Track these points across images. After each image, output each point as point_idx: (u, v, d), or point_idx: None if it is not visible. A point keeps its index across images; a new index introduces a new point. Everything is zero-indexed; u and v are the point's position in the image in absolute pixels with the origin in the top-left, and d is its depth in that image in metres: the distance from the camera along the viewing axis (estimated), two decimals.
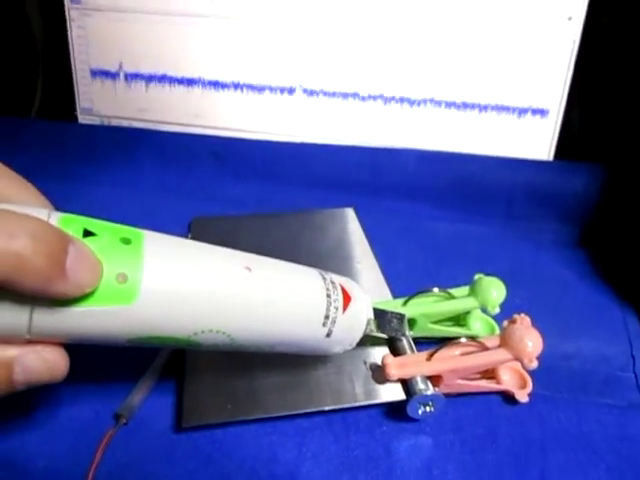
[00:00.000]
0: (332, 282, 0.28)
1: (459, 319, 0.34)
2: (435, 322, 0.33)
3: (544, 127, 0.47)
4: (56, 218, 0.21)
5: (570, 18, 0.44)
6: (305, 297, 0.26)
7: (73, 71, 0.52)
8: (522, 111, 0.47)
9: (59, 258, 0.19)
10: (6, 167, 0.24)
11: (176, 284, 0.22)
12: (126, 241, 0.22)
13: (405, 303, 0.33)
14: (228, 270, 0.24)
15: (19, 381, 0.21)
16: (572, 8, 0.44)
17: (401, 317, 0.31)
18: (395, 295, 0.36)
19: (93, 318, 0.21)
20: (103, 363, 0.30)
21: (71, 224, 0.21)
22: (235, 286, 0.24)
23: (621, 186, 0.44)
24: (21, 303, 0.19)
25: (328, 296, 0.27)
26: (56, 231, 0.19)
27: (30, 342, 0.21)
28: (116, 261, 0.21)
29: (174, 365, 0.31)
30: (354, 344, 0.29)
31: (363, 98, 0.49)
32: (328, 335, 0.27)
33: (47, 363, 0.21)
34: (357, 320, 0.28)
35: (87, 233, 0.21)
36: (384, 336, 0.30)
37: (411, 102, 0.48)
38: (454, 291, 0.33)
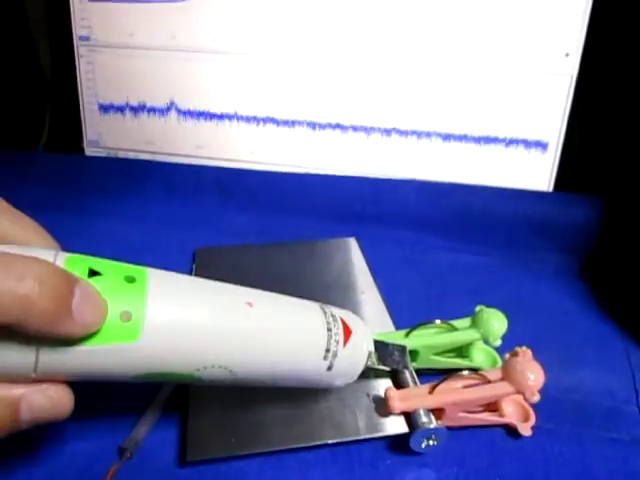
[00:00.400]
0: (333, 315, 0.28)
1: (461, 350, 0.34)
2: (437, 354, 0.33)
3: (544, 159, 0.48)
4: (62, 259, 0.21)
5: (567, 54, 0.45)
6: (306, 331, 0.27)
7: (81, 105, 0.53)
8: (522, 143, 0.48)
9: (65, 300, 0.19)
10: (12, 207, 0.25)
11: (179, 321, 0.23)
12: (130, 279, 0.23)
13: (407, 335, 0.33)
14: (230, 306, 0.25)
15: (25, 419, 0.21)
16: (569, 45, 0.45)
17: (402, 349, 0.31)
18: (397, 325, 0.36)
19: (97, 356, 0.21)
20: (107, 397, 0.30)
21: (77, 264, 0.22)
22: (237, 322, 0.25)
23: (621, 218, 0.44)
24: (27, 343, 0.20)
25: (329, 330, 0.27)
26: (62, 273, 0.20)
27: (36, 381, 0.21)
28: (120, 300, 0.22)
29: (178, 398, 0.31)
30: (356, 377, 0.29)
31: (366, 129, 0.50)
32: (329, 369, 0.27)
33: (52, 401, 0.22)
34: (358, 353, 0.28)
35: (92, 272, 0.22)
36: (386, 369, 0.30)
37: (413, 134, 0.49)
38: (456, 323, 0.33)
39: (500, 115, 0.48)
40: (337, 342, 0.27)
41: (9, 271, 0.18)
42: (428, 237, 0.47)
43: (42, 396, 0.21)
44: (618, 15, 0.44)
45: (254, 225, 0.49)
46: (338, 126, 0.50)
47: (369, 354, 0.29)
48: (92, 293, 0.20)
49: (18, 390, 0.21)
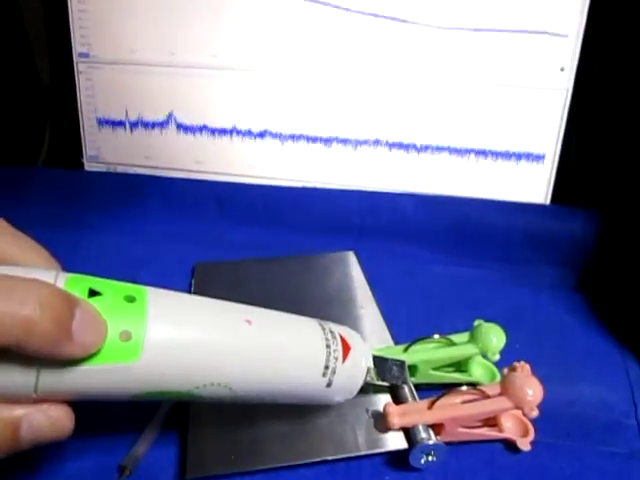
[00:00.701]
0: (331, 332, 0.28)
1: (460, 365, 0.34)
2: (436, 368, 0.33)
3: (541, 172, 0.48)
4: (63, 279, 0.22)
5: (562, 69, 0.45)
6: (305, 348, 0.27)
7: (80, 120, 0.54)
8: (519, 156, 0.48)
9: (66, 322, 0.19)
10: (12, 227, 0.25)
11: (178, 340, 0.23)
12: (130, 299, 0.23)
13: (406, 350, 0.33)
14: (229, 325, 0.25)
15: (26, 439, 0.21)
16: (564, 59, 0.45)
17: (401, 364, 0.31)
18: (396, 339, 0.36)
19: (98, 376, 0.21)
20: (106, 415, 0.30)
21: (77, 284, 0.22)
22: (236, 340, 0.25)
23: (618, 231, 0.45)
24: (28, 365, 0.20)
25: (327, 346, 0.27)
26: (63, 295, 0.20)
27: (36, 401, 0.21)
28: (120, 320, 0.22)
29: (177, 416, 0.31)
30: (355, 393, 0.29)
31: (363, 143, 0.50)
32: (328, 385, 0.27)
33: (53, 421, 0.22)
34: (357, 369, 0.28)
35: (92, 292, 0.22)
36: (385, 384, 0.30)
37: (411, 147, 0.49)
38: (454, 337, 0.33)
39: (497, 129, 0.48)
40: (336, 359, 0.27)
41: (11, 294, 0.18)
42: (426, 250, 0.47)
43: (42, 416, 0.21)
44: (612, 30, 0.44)
45: (253, 239, 0.49)
46: (336, 140, 0.50)
47: (368, 370, 0.29)
48: (92, 314, 0.21)
49: (19, 410, 0.21)
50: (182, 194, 0.52)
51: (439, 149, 0.49)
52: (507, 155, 0.48)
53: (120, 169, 0.55)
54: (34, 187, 0.53)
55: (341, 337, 0.28)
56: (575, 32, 0.45)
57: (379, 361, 0.30)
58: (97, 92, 0.52)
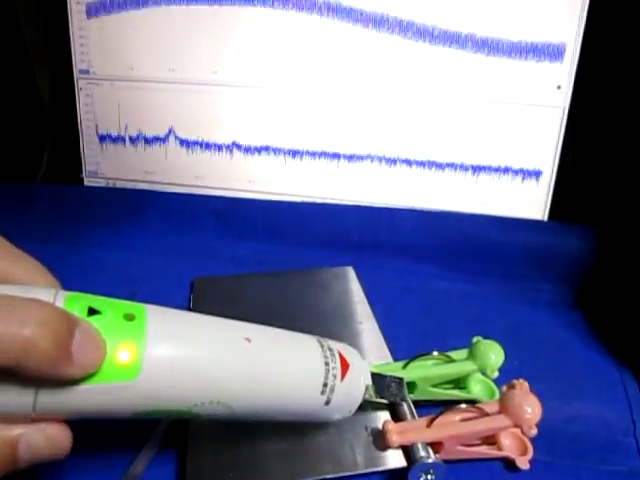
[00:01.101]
0: (330, 349, 0.28)
1: (459, 382, 0.34)
2: (435, 385, 0.33)
3: (538, 188, 0.49)
4: (62, 298, 0.22)
5: (559, 87, 0.46)
6: (303, 366, 0.27)
7: (80, 136, 0.54)
8: (516, 173, 0.49)
9: (65, 342, 0.19)
10: (12, 245, 0.25)
11: (178, 359, 0.23)
12: (130, 317, 0.23)
13: (405, 366, 0.33)
14: (228, 343, 0.25)
15: (24, 459, 0.21)
16: (560, 78, 0.46)
17: (400, 381, 0.31)
18: (395, 355, 0.36)
19: (96, 395, 0.21)
20: (105, 433, 0.30)
21: (76, 303, 0.22)
22: (235, 358, 0.25)
23: (617, 247, 0.45)
24: (27, 384, 0.20)
25: (326, 364, 0.27)
26: (63, 315, 0.20)
27: (34, 420, 0.21)
28: (120, 339, 0.22)
29: (176, 434, 0.31)
30: (353, 411, 0.29)
31: (363, 159, 0.50)
32: (327, 403, 0.27)
33: (51, 440, 0.22)
34: (355, 387, 0.28)
35: (92, 311, 0.22)
36: (383, 401, 0.30)
37: (410, 163, 0.50)
38: (453, 354, 0.33)
39: (495, 145, 0.48)
40: (334, 376, 0.27)
41: (11, 315, 0.18)
42: (425, 266, 0.47)
43: (41, 435, 0.21)
44: (609, 48, 0.45)
45: (252, 254, 0.49)
46: (336, 155, 0.51)
47: (366, 387, 0.29)
48: (92, 334, 0.21)
49: (17, 430, 0.21)
50: (181, 209, 0.53)
51: (437, 165, 0.49)
52: (505, 171, 0.49)
53: (119, 184, 0.55)
54: (33, 203, 0.53)
55: (340, 355, 0.28)
56: (572, 50, 0.45)
57: (377, 378, 0.30)
58: (97, 108, 0.53)
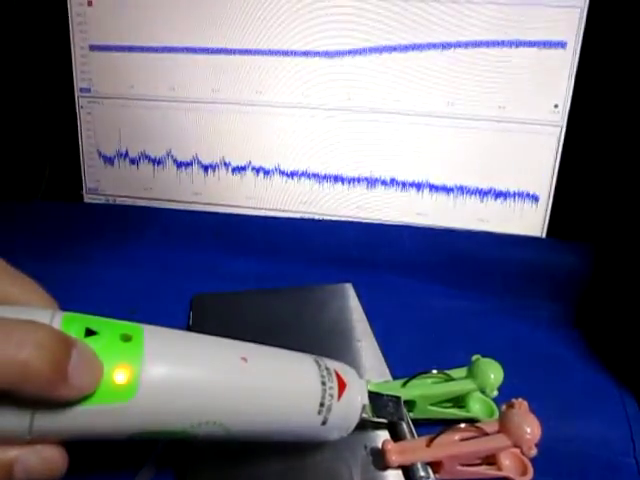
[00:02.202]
0: (327, 369, 0.28)
1: (458, 400, 0.34)
2: (434, 404, 0.33)
3: (536, 204, 0.49)
4: (59, 319, 0.22)
5: (556, 106, 0.46)
6: (300, 386, 0.27)
7: (80, 154, 0.54)
8: (514, 191, 0.49)
9: (62, 364, 0.19)
10: (10, 266, 0.25)
11: (174, 380, 0.23)
12: (126, 338, 0.23)
13: (404, 385, 0.33)
14: (225, 362, 0.25)
15: None
16: (558, 97, 0.46)
17: (397, 400, 0.31)
18: (394, 373, 0.36)
19: (92, 417, 0.21)
20: (102, 454, 0.29)
21: (73, 324, 0.22)
22: (231, 378, 0.25)
23: (616, 265, 0.45)
24: (23, 407, 0.20)
25: (323, 384, 0.27)
26: (59, 337, 0.20)
27: (30, 442, 0.21)
28: (116, 359, 0.22)
29: (174, 454, 0.30)
30: (350, 430, 0.29)
31: (362, 180, 0.51)
32: (324, 423, 0.27)
33: (47, 462, 0.21)
34: (352, 406, 0.28)
35: (89, 332, 0.22)
36: (381, 421, 0.30)
37: (410, 185, 0.50)
38: (452, 372, 0.33)
39: (492, 166, 0.49)
40: (331, 396, 0.27)
41: (8, 337, 0.18)
42: (424, 283, 0.47)
43: (36, 457, 0.21)
44: (606, 67, 0.45)
45: (251, 271, 0.49)
46: (335, 175, 0.51)
47: (363, 407, 0.29)
48: (89, 356, 0.21)
49: (12, 452, 0.21)
50: (180, 226, 0.53)
51: (434, 187, 0.50)
52: (503, 187, 0.49)
53: (119, 201, 0.55)
54: (33, 220, 0.53)
55: (337, 374, 0.28)
56: (569, 68, 0.45)
57: (375, 397, 0.30)
58: (97, 126, 0.53)
